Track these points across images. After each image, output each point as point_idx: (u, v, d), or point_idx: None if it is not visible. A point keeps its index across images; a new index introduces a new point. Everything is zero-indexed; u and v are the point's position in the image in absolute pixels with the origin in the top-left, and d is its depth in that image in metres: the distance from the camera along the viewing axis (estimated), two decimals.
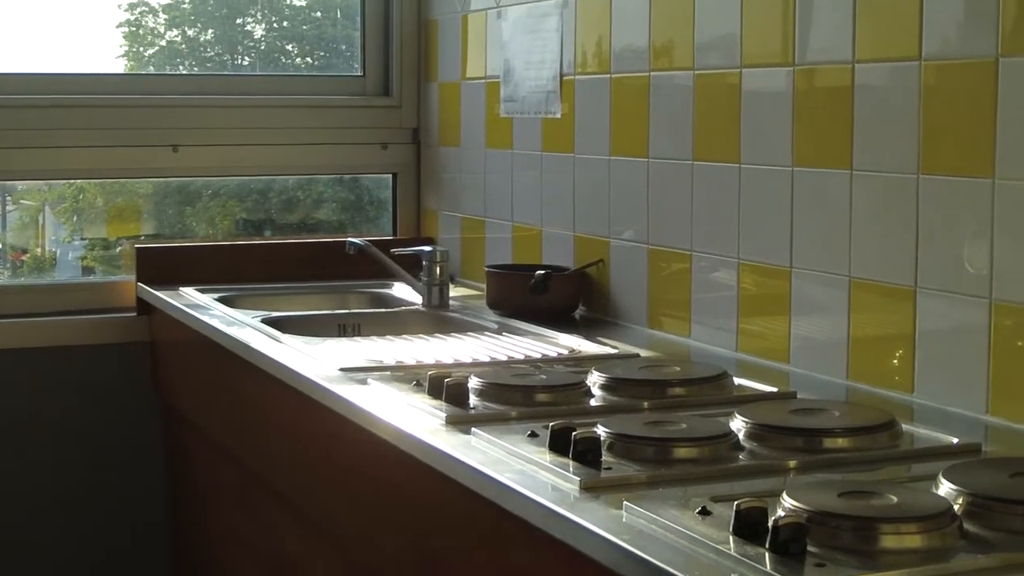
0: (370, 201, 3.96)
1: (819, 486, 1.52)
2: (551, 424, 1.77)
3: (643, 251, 2.77)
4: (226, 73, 3.96)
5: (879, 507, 1.42)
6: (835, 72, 2.24)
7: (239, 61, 4.10)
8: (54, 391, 3.50)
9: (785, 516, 1.36)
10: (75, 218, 3.97)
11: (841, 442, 1.76)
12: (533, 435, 1.82)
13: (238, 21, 4.10)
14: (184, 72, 3.98)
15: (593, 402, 2.06)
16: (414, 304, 3.19)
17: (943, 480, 1.52)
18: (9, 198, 4.01)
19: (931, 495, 1.50)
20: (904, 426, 1.85)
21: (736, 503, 1.41)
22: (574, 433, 1.71)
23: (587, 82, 2.96)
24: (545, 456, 1.73)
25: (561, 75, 3.05)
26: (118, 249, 3.81)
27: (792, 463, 1.71)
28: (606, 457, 1.70)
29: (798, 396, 2.10)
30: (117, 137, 3.59)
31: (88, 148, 3.58)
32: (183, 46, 4.07)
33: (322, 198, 3.95)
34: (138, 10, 3.91)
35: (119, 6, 3.86)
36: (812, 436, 1.77)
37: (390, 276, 3.31)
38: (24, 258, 3.98)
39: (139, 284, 3.50)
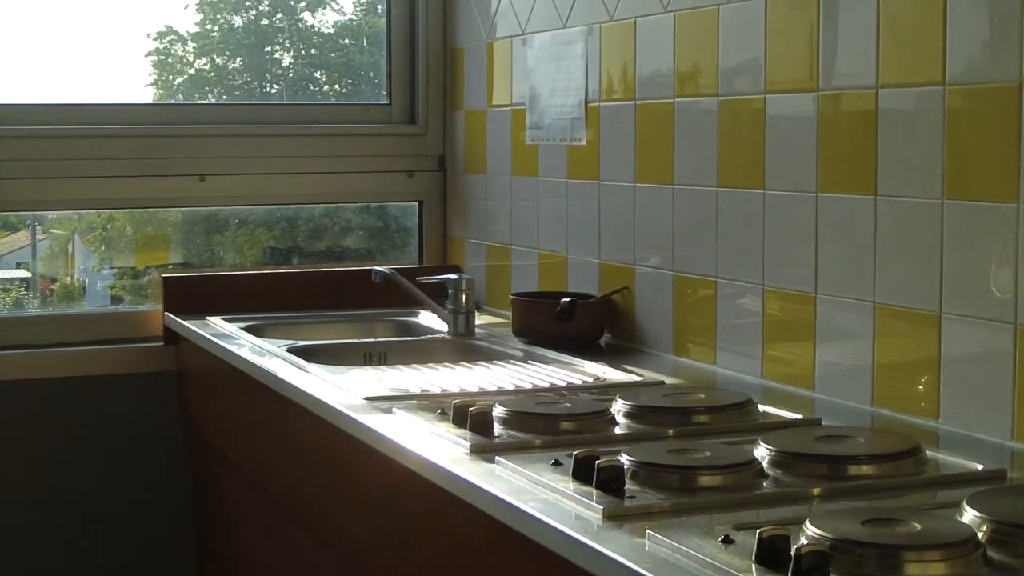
0: (397, 229, 3.96)
1: (843, 514, 1.51)
2: (575, 453, 1.77)
3: (668, 278, 2.77)
4: (253, 102, 3.99)
5: (902, 535, 1.41)
6: (859, 97, 2.24)
7: (267, 89, 4.13)
8: (82, 421, 3.52)
9: (808, 544, 1.36)
10: (104, 247, 4.00)
11: (866, 469, 1.76)
12: (557, 464, 1.82)
13: (266, 49, 4.12)
14: (212, 101, 4.00)
15: (617, 430, 2.06)
16: (440, 332, 3.19)
17: (967, 507, 1.51)
18: (39, 227, 4.04)
19: (955, 522, 1.48)
20: (929, 452, 1.84)
21: (759, 531, 1.40)
22: (597, 462, 1.71)
23: (612, 108, 2.97)
24: (569, 485, 1.73)
25: (586, 102, 3.05)
26: (146, 278, 3.82)
27: (816, 490, 1.70)
28: (629, 485, 1.70)
29: (823, 423, 2.09)
30: (145, 167, 3.61)
31: (117, 178, 3.60)
32: (212, 74, 4.09)
33: (349, 226, 3.96)
34: (167, 39, 3.94)
35: (148, 35, 3.89)
36: (837, 463, 1.76)
37: (416, 304, 3.31)
38: (54, 287, 4.01)
39: (166, 313, 3.52)
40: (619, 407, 2.12)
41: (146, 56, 3.90)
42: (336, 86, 4.17)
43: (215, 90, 4.10)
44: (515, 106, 3.38)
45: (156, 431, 3.55)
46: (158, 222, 3.89)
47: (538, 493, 1.74)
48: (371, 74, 4.07)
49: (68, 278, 4.04)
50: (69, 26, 3.70)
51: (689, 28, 2.69)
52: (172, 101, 3.99)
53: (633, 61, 2.89)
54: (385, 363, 2.98)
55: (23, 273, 4.10)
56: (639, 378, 2.49)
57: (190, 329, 3.30)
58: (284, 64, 4.17)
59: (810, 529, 1.42)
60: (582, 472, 1.73)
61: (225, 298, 3.52)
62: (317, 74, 4.19)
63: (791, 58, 2.40)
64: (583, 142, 3.07)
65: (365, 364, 2.97)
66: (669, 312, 2.76)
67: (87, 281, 4.04)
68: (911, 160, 2.13)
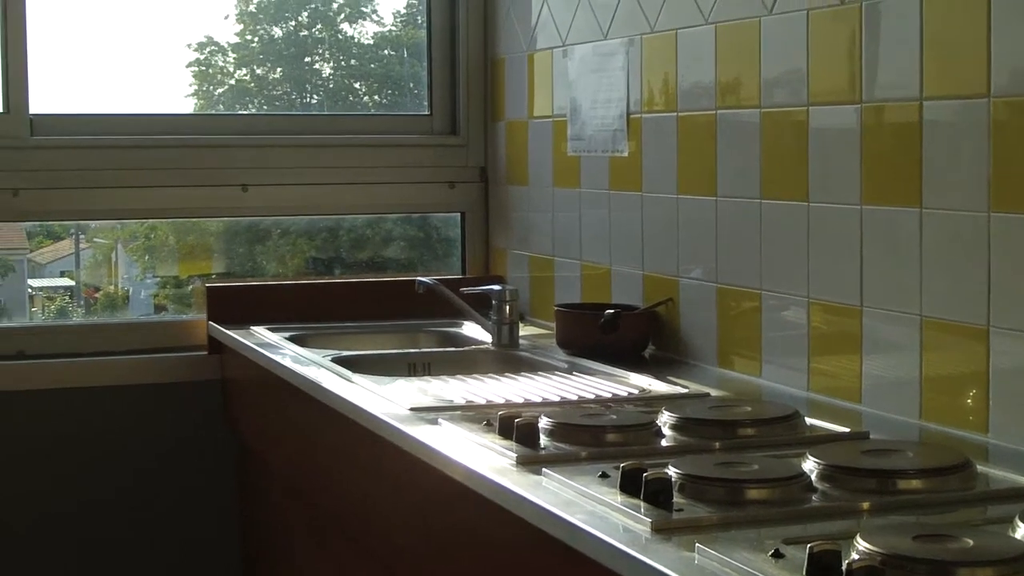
0: (439, 239, 3.98)
1: (893, 529, 1.51)
2: (622, 465, 1.77)
3: (712, 290, 2.77)
4: (294, 112, 4.01)
5: (954, 551, 1.41)
6: (903, 109, 2.23)
7: (307, 100, 4.15)
8: (128, 429, 3.54)
9: (859, 559, 1.36)
10: (147, 256, 4.03)
11: (915, 484, 1.75)
12: (604, 476, 1.82)
13: (306, 60, 4.15)
14: (254, 112, 4.02)
15: (664, 442, 2.06)
16: (484, 343, 3.20)
17: (1020, 523, 1.51)
18: (83, 236, 4.07)
19: (1007, 538, 1.48)
20: (979, 467, 1.84)
21: (809, 546, 1.40)
22: (645, 474, 1.71)
23: (654, 120, 2.97)
24: (616, 497, 1.73)
25: (628, 113, 3.06)
26: (190, 287, 3.85)
27: (865, 505, 1.70)
28: (677, 498, 1.70)
29: (871, 437, 2.09)
30: (188, 177, 3.64)
31: (160, 188, 3.63)
32: (252, 85, 4.12)
33: (391, 236, 3.97)
34: (207, 50, 3.97)
35: (189, 46, 3.92)
36: (885, 478, 1.75)
37: (460, 315, 3.32)
38: (97, 296, 4.04)
39: (210, 323, 3.54)
40: (665, 419, 2.13)
41: (187, 67, 3.94)
42: (376, 97, 4.18)
43: (255, 100, 4.13)
44: (556, 117, 3.39)
45: (201, 440, 3.57)
46: (200, 232, 3.92)
47: (585, 505, 1.74)
48: (411, 85, 4.09)
49: (111, 287, 4.07)
50: (111, 37, 3.74)
51: (730, 39, 2.70)
52: (213, 111, 4.01)
53: (674, 72, 2.89)
54: (429, 374, 2.99)
55: (67, 282, 4.14)
56: (684, 390, 2.49)
57: (235, 339, 3.32)
58: (324, 75, 4.19)
59: (861, 544, 1.42)
60: (629, 484, 1.73)
61: (268, 308, 3.54)
62: (357, 85, 4.21)
63: (833, 70, 2.40)
64: (625, 153, 3.07)
65: (409, 375, 2.98)
66: (713, 324, 2.76)
67: (131, 290, 4.07)
68: (956, 172, 2.13)
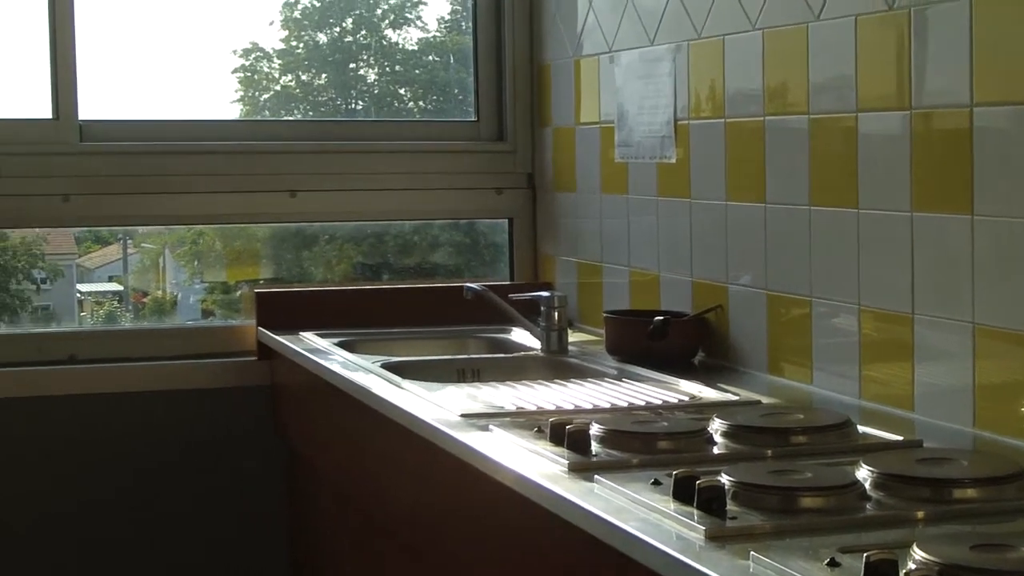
0: (486, 244, 3.99)
1: (950, 538, 1.51)
2: (674, 472, 1.78)
3: (762, 297, 2.77)
4: (343, 119, 4.04)
5: (1014, 560, 1.41)
6: (953, 115, 2.23)
7: (352, 105, 4.17)
8: (177, 434, 3.57)
9: (917, 569, 1.36)
10: (195, 261, 4.06)
11: (970, 493, 1.74)
12: (656, 483, 1.83)
13: (351, 66, 4.17)
14: (301, 117, 4.05)
15: (715, 450, 2.06)
16: (533, 349, 3.21)
17: None
18: (131, 241, 4.11)
19: None
20: None
21: (866, 555, 1.40)
22: (698, 482, 1.71)
23: (701, 126, 2.97)
24: (669, 504, 1.74)
25: (675, 119, 3.06)
26: (238, 293, 3.88)
27: (920, 514, 1.69)
28: (731, 506, 1.70)
29: (924, 445, 2.08)
30: (236, 182, 3.66)
31: (208, 194, 3.66)
32: (297, 91, 4.14)
33: (437, 242, 3.99)
34: (253, 56, 4.00)
35: (234, 52, 3.94)
36: (940, 486, 1.75)
37: (508, 321, 3.33)
38: (145, 300, 4.07)
39: (259, 328, 3.56)
40: (716, 427, 2.13)
41: (232, 72, 3.96)
42: (420, 102, 4.20)
43: (301, 106, 4.15)
44: (603, 123, 3.40)
45: (250, 445, 3.60)
46: (247, 237, 3.95)
47: (638, 512, 1.75)
48: (455, 91, 4.11)
49: (159, 291, 4.11)
50: (158, 42, 3.77)
51: (778, 46, 2.69)
52: (260, 117, 4.04)
53: (722, 79, 2.89)
54: (479, 380, 3.00)
55: (115, 286, 4.18)
56: (735, 397, 2.49)
57: (284, 344, 3.34)
58: (369, 80, 4.21)
59: (918, 554, 1.42)
60: (682, 492, 1.74)
61: (317, 313, 3.56)
62: (402, 91, 4.23)
63: (882, 75, 2.40)
64: (673, 160, 3.08)
65: (459, 381, 2.99)
66: (763, 331, 2.76)
67: (179, 295, 4.11)
68: (1007, 178, 2.12)
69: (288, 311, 3.58)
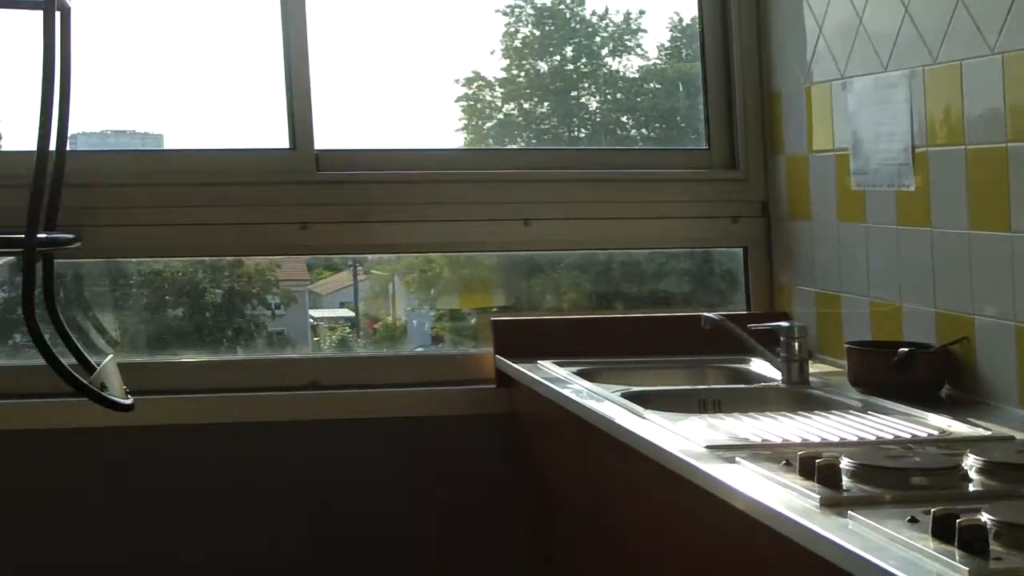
0: (719, 273, 3.99)
1: None
2: (932, 510, 1.76)
3: (1010, 328, 2.71)
4: (575, 147, 4.08)
5: None
6: None
7: (575, 133, 4.21)
8: (416, 461, 3.64)
9: None
10: (425, 289, 4.15)
11: None
12: (913, 520, 1.81)
13: (572, 94, 4.21)
14: (525, 146, 4.11)
15: (971, 487, 2.03)
16: (773, 380, 3.20)
17: None
18: (360, 268, 4.22)
19: None
20: None
21: None
22: (958, 520, 1.70)
23: (940, 154, 2.93)
24: (928, 543, 1.72)
25: (913, 147, 3.03)
26: (472, 320, 3.94)
27: None
28: (994, 546, 1.68)
29: None
30: (469, 211, 3.73)
31: (441, 222, 3.73)
32: (520, 119, 4.20)
33: (665, 270, 3.99)
34: (475, 84, 4.07)
35: (457, 81, 4.02)
36: None
37: (747, 351, 3.33)
38: (376, 326, 4.18)
39: (497, 356, 3.63)
40: (971, 463, 2.10)
41: (456, 102, 4.04)
42: (643, 130, 4.23)
43: (523, 134, 4.22)
44: (838, 151, 3.38)
45: (491, 472, 3.65)
46: (474, 264, 4.01)
47: (897, 551, 1.73)
48: (677, 118, 4.12)
49: (389, 318, 4.21)
50: (384, 74, 3.87)
51: (1020, 70, 2.64)
52: (484, 146, 4.11)
53: (960, 104, 2.85)
54: (720, 411, 3.00)
55: (347, 312, 4.29)
56: (987, 432, 2.45)
57: (524, 373, 3.39)
58: (591, 108, 4.25)
59: None
60: (942, 530, 1.72)
61: (553, 342, 3.60)
62: (623, 118, 4.26)
63: None
64: (911, 188, 3.04)
65: (700, 411, 3.00)
66: (1013, 363, 2.70)
67: (412, 321, 4.20)
68: None
69: (524, 339, 3.63)
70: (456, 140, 4.08)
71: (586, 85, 4.20)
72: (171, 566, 3.58)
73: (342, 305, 4.31)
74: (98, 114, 3.84)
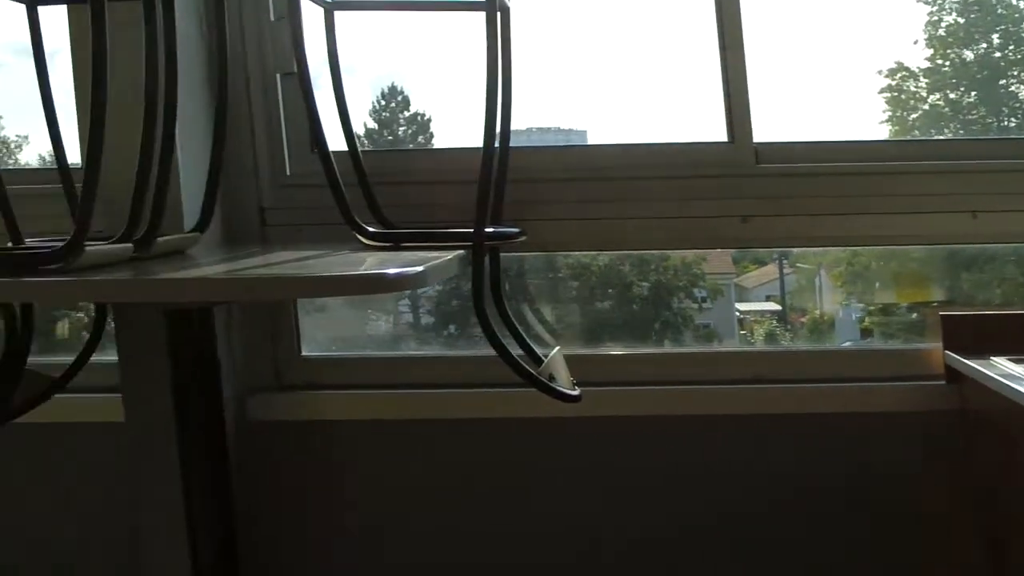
0: None
1: None
2: None
3: None
4: (1011, 137, 3.91)
5: None
6: None
7: (1005, 123, 4.05)
8: (855, 458, 3.56)
9: None
10: (854, 282, 4.07)
11: None
12: None
13: (1000, 82, 4.04)
14: (952, 136, 3.98)
15: None
16: None
17: None
18: (786, 261, 4.19)
19: None
20: None
21: None
22: None
23: None
24: None
25: None
26: (913, 315, 3.84)
27: None
28: None
29: None
30: (911, 203, 3.63)
31: (879, 215, 3.63)
32: (946, 109, 4.07)
33: None
34: (898, 75, 3.97)
35: (879, 72, 3.92)
36: None
37: None
38: (803, 320, 4.14)
39: (946, 352, 3.51)
40: None
41: (879, 93, 3.95)
42: None
43: (950, 125, 4.08)
44: None
45: (937, 472, 3.53)
46: (900, 257, 3.91)
47: None
48: None
49: (817, 311, 4.15)
50: (810, 66, 3.83)
51: None
52: (909, 137, 4.00)
53: None
54: None
55: (773, 306, 4.26)
56: None
57: (976, 369, 3.26)
58: (1020, 97, 4.09)
59: None
60: None
61: (1006, 337, 3.46)
62: None
63: None
64: None
65: None
66: None
67: (840, 314, 4.13)
68: None
69: (975, 334, 3.49)
70: (880, 132, 4.01)
71: (1015, 73, 4.03)
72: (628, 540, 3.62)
73: (767, 299, 4.29)
74: (522, 112, 3.93)
